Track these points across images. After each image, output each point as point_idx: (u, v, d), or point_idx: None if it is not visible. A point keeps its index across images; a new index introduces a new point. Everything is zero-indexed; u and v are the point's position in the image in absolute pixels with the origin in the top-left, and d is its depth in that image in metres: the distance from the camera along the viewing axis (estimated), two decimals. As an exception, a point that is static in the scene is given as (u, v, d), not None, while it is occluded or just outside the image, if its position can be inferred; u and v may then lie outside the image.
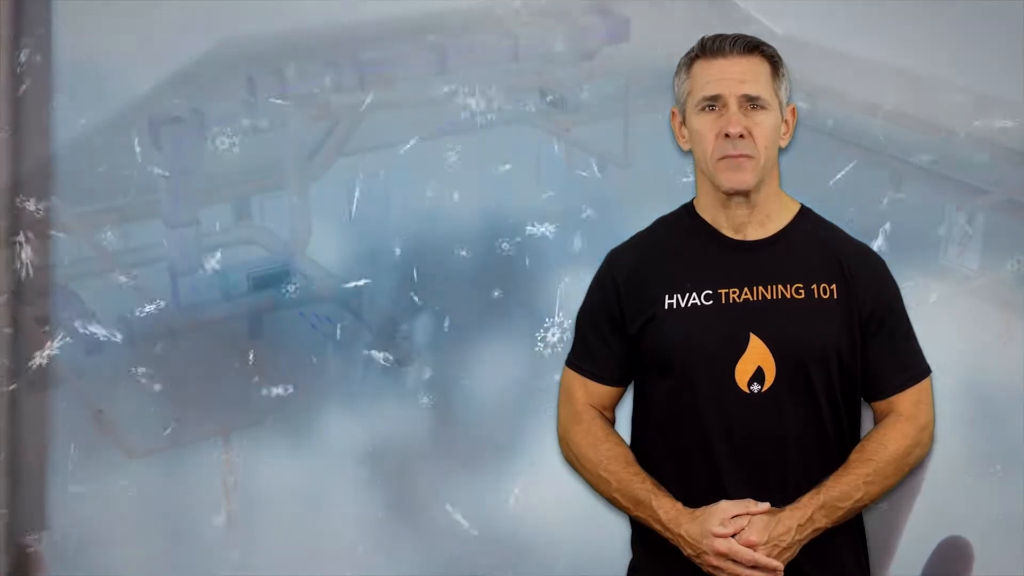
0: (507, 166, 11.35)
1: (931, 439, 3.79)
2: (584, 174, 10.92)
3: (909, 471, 3.73)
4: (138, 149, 8.27)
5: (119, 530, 7.65)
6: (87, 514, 7.82)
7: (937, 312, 7.03)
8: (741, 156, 3.54)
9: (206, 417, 7.84)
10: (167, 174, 7.98)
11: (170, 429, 7.90)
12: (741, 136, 3.51)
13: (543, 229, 10.72)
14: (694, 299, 3.60)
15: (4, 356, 8.47)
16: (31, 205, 8.81)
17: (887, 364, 3.68)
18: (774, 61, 3.62)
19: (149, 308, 8.20)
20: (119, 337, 8.37)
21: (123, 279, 8.29)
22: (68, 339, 8.32)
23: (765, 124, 3.53)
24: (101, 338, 8.29)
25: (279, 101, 8.38)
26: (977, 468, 7.88)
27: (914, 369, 3.76)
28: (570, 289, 9.13)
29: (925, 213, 9.81)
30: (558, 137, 10.64)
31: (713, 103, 3.54)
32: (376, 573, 7.55)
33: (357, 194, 10.85)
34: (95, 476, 7.99)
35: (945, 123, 9.45)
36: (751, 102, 3.50)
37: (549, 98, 9.99)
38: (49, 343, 8.41)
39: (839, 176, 9.56)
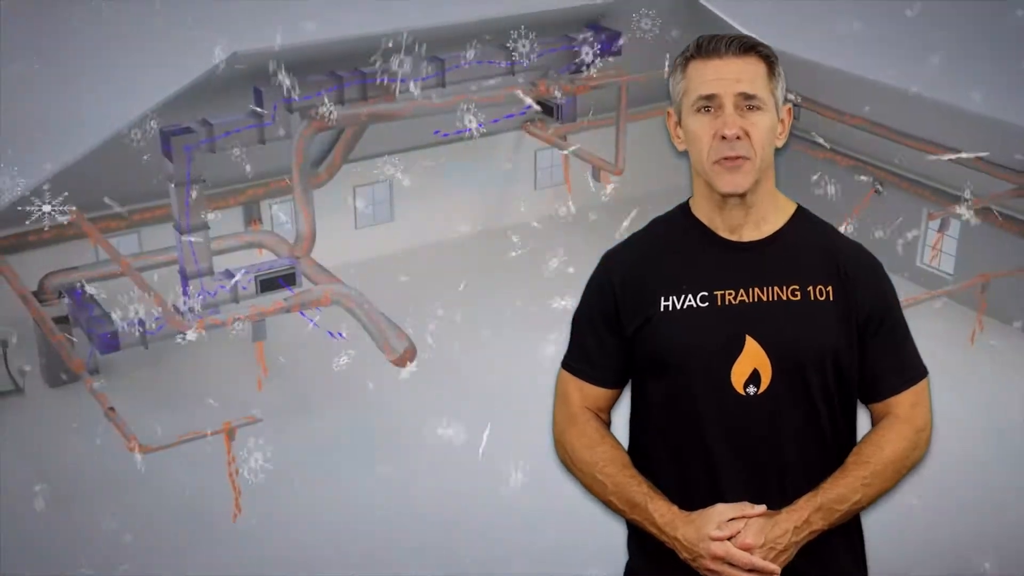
0: (505, 171, 11.48)
1: (928, 441, 3.54)
2: (579, 180, 11.15)
3: (907, 473, 3.53)
4: (151, 158, 8.39)
5: (131, 517, 7.73)
6: (103, 505, 7.94)
7: (910, 314, 7.17)
8: (738, 158, 3.36)
9: (211, 413, 7.89)
10: (177, 182, 8.08)
11: (175, 425, 7.95)
12: (738, 138, 3.34)
13: (539, 229, 10.90)
14: (690, 301, 3.48)
15: (17, 357, 8.63)
16: (51, 211, 8.86)
17: (885, 366, 3.52)
18: (770, 61, 3.39)
19: (161, 309, 8.23)
20: (132, 337, 8.47)
21: (135, 282, 8.34)
22: (85, 339, 8.49)
23: (761, 125, 3.36)
24: (115, 338, 8.39)
25: (286, 112, 8.49)
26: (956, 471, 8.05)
27: (912, 371, 3.53)
28: (564, 291, 9.22)
29: (904, 218, 10.04)
30: (554, 145, 10.82)
31: (709, 104, 3.37)
32: (378, 568, 7.68)
33: (360, 200, 10.90)
34: (107, 472, 7.99)
35: (928, 136, 9.65)
36: (747, 102, 3.34)
37: (544, 108, 10.18)
38: (68, 342, 8.52)
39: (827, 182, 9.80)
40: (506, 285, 10.41)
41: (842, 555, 3.53)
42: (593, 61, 9.68)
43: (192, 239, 8.24)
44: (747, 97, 3.34)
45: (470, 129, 10.14)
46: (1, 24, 13.27)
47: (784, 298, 3.46)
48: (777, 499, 3.40)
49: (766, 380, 3.39)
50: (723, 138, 3.33)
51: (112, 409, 7.63)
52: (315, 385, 8.90)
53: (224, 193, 9.76)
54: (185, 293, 8.37)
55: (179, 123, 8.12)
